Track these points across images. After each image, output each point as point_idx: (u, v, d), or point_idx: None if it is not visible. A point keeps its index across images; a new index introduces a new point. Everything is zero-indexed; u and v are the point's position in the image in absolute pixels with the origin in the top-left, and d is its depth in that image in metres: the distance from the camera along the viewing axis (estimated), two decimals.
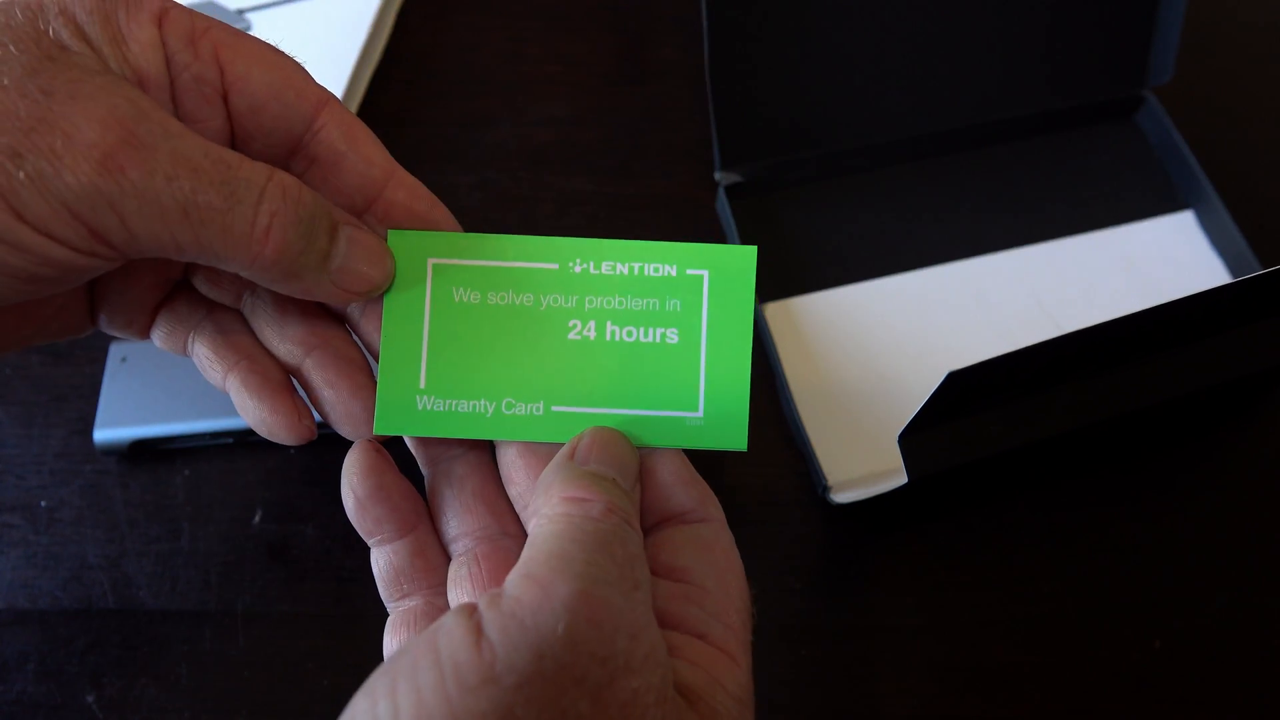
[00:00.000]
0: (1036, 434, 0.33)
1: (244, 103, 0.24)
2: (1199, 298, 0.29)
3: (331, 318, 0.28)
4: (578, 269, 0.27)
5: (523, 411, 0.27)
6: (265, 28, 0.53)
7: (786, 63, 0.45)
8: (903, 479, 0.34)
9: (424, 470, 0.29)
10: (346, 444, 0.42)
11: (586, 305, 0.27)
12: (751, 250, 0.26)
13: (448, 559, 0.27)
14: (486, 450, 0.29)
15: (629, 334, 0.27)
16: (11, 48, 0.20)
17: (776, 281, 0.45)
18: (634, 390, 0.27)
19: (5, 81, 0.20)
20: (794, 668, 0.38)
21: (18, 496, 0.42)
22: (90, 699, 0.38)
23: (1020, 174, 0.48)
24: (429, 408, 0.27)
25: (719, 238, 0.47)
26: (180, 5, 0.24)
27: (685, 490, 0.26)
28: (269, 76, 0.24)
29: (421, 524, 0.27)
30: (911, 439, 0.32)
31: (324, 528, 0.41)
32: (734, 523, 0.41)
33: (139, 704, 0.38)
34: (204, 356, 0.27)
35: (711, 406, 0.27)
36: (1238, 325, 0.35)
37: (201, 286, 0.28)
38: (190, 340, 0.27)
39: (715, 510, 0.27)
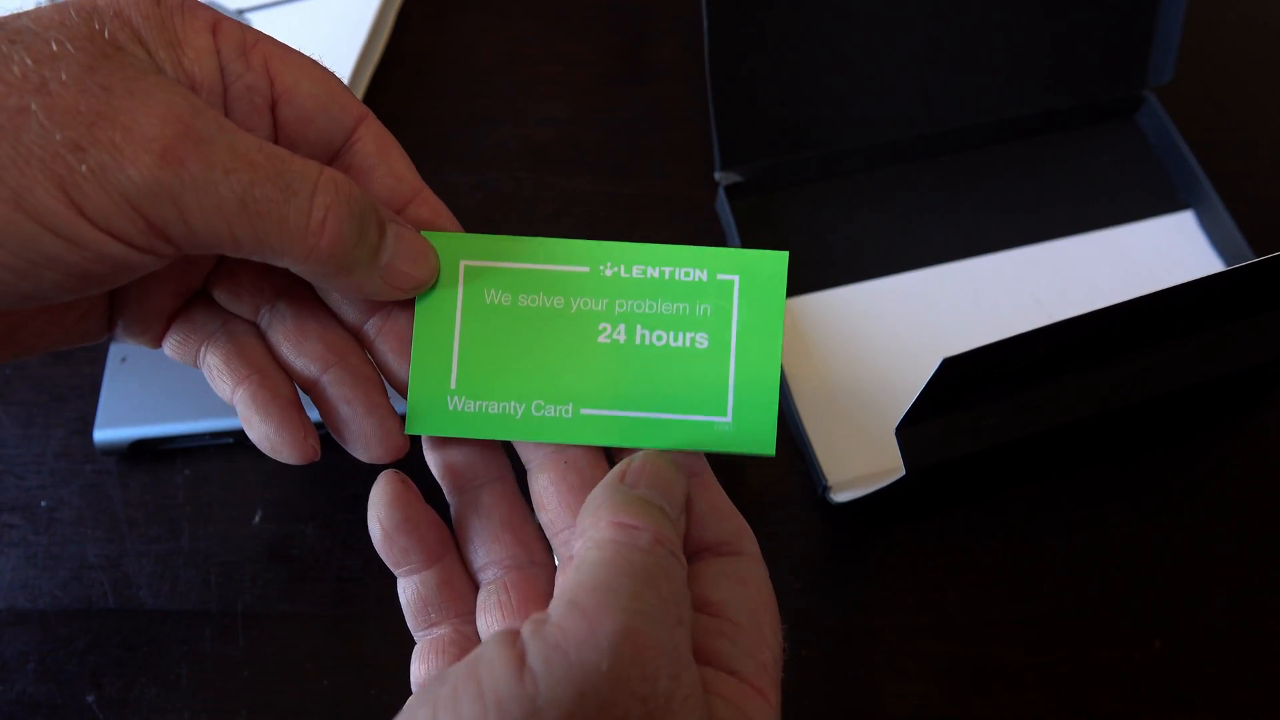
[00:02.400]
0: (1035, 427, 0.33)
1: (292, 113, 0.25)
2: (1197, 284, 0.29)
3: (348, 336, 0.28)
4: (608, 272, 0.27)
5: (552, 414, 0.27)
6: (265, 28, 0.53)
7: (786, 63, 0.45)
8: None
9: (450, 499, 0.28)
10: None
11: (616, 309, 0.27)
12: (783, 256, 0.26)
13: (475, 587, 0.27)
14: (512, 479, 0.28)
15: (659, 338, 0.27)
16: (69, 45, 0.20)
17: None
18: (663, 394, 0.27)
19: (64, 77, 0.20)
20: (794, 668, 0.38)
21: (18, 496, 0.42)
22: (90, 699, 0.38)
23: (1020, 174, 0.48)
24: (459, 408, 0.27)
25: (719, 238, 0.47)
26: (230, 18, 0.25)
27: (722, 523, 0.26)
28: (317, 89, 0.25)
29: (449, 553, 0.27)
30: (909, 431, 0.32)
31: (324, 528, 0.41)
32: None
33: (139, 704, 0.38)
34: (215, 367, 0.27)
35: (740, 411, 0.26)
36: (1237, 318, 0.35)
37: (221, 298, 0.28)
38: (202, 351, 0.27)
39: (751, 544, 0.26)
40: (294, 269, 0.24)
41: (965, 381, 0.31)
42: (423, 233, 0.27)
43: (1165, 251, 0.47)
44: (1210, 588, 0.39)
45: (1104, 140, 0.49)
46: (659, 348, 0.27)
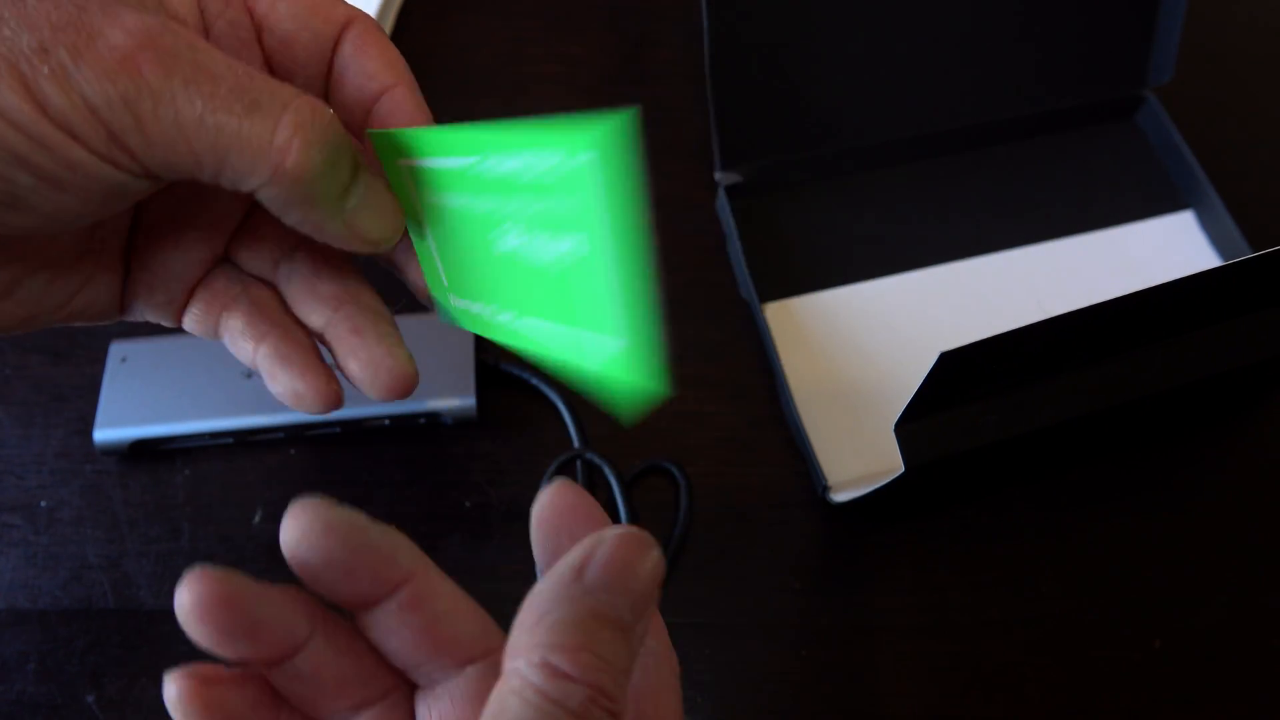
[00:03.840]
0: (1033, 424, 0.33)
1: (274, 40, 0.25)
2: (1196, 279, 0.29)
3: (362, 280, 0.28)
4: (492, 166, 0.23)
5: (507, 320, 0.25)
6: None
7: (786, 63, 0.45)
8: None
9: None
10: (346, 444, 0.42)
11: (506, 208, 0.23)
12: (624, 117, 0.20)
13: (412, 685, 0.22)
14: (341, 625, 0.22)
15: (542, 241, 0.22)
16: None
17: (776, 281, 0.45)
18: (565, 307, 0.22)
19: None
20: (794, 668, 0.38)
21: (18, 496, 0.42)
22: (90, 699, 0.38)
23: (1020, 174, 0.48)
24: (460, 307, 0.27)
25: (719, 238, 0.47)
26: None
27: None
28: (293, 8, 0.25)
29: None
30: (908, 428, 0.32)
31: None
32: (735, 523, 0.41)
33: (139, 704, 0.38)
34: (237, 330, 0.27)
35: (628, 333, 0.21)
36: (1235, 315, 0.35)
37: (243, 257, 0.28)
38: (222, 318, 0.27)
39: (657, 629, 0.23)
40: (261, 197, 0.23)
41: (964, 377, 0.31)
42: (368, 131, 0.25)
43: (1165, 251, 0.47)
44: (1210, 588, 0.39)
45: (1104, 140, 0.49)
46: (548, 251, 0.22)
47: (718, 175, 0.46)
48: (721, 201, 0.46)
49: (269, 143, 0.21)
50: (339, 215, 0.24)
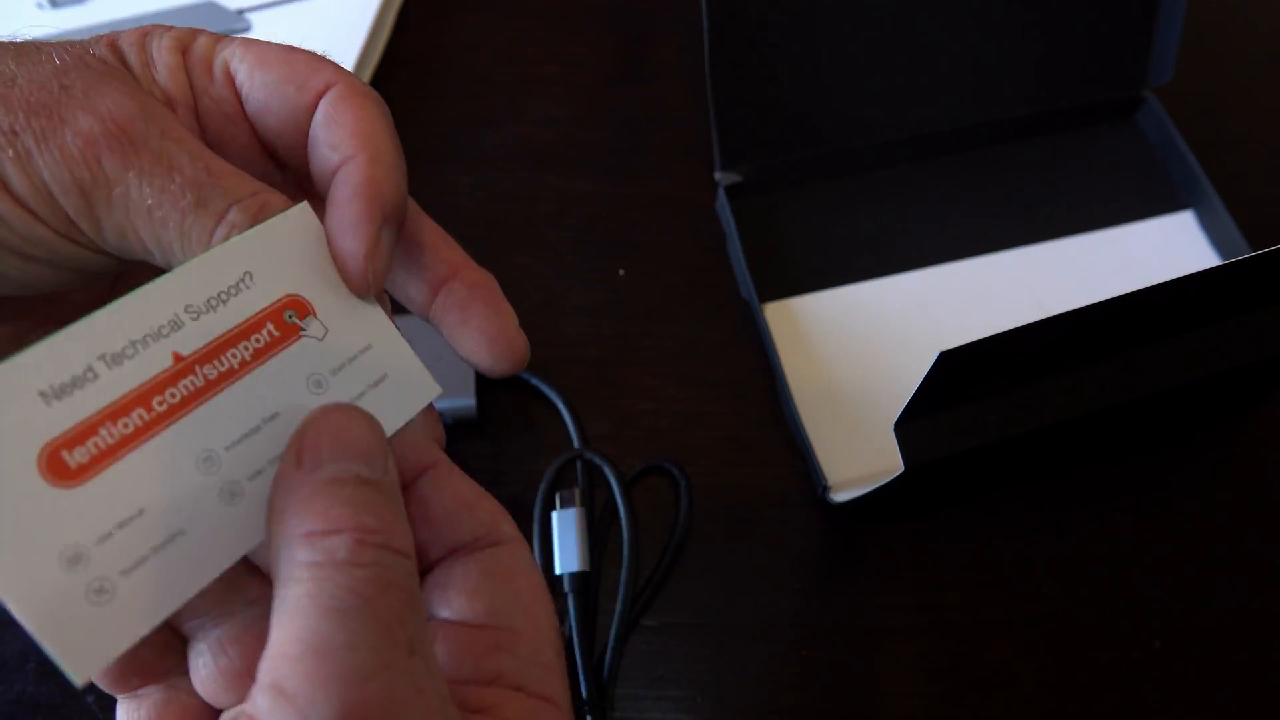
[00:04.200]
0: (1033, 423, 0.33)
1: (253, 109, 0.24)
2: (1196, 278, 0.29)
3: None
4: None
5: None
6: (265, 28, 0.53)
7: (786, 63, 0.45)
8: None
9: None
10: None
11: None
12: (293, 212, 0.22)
13: (183, 639, 0.23)
14: None
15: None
16: (56, 57, 0.22)
17: (776, 281, 0.45)
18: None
19: (33, 75, 0.21)
20: (794, 668, 0.38)
21: None
22: (90, 699, 0.38)
23: (1020, 174, 0.48)
24: None
25: (719, 238, 0.47)
26: (209, 33, 0.24)
27: (472, 516, 0.22)
28: (269, 77, 0.24)
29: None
30: (907, 427, 0.32)
31: None
32: (735, 523, 0.41)
33: None
34: None
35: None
36: (1235, 314, 0.35)
37: None
38: None
39: (509, 527, 0.23)
40: None
41: (963, 376, 0.31)
42: None
43: (1165, 251, 0.47)
44: (1210, 588, 0.39)
45: (1104, 140, 0.49)
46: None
47: (718, 175, 0.46)
48: (721, 201, 0.46)
49: (206, 241, 0.21)
50: None
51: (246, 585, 0.22)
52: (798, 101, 0.46)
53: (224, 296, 0.21)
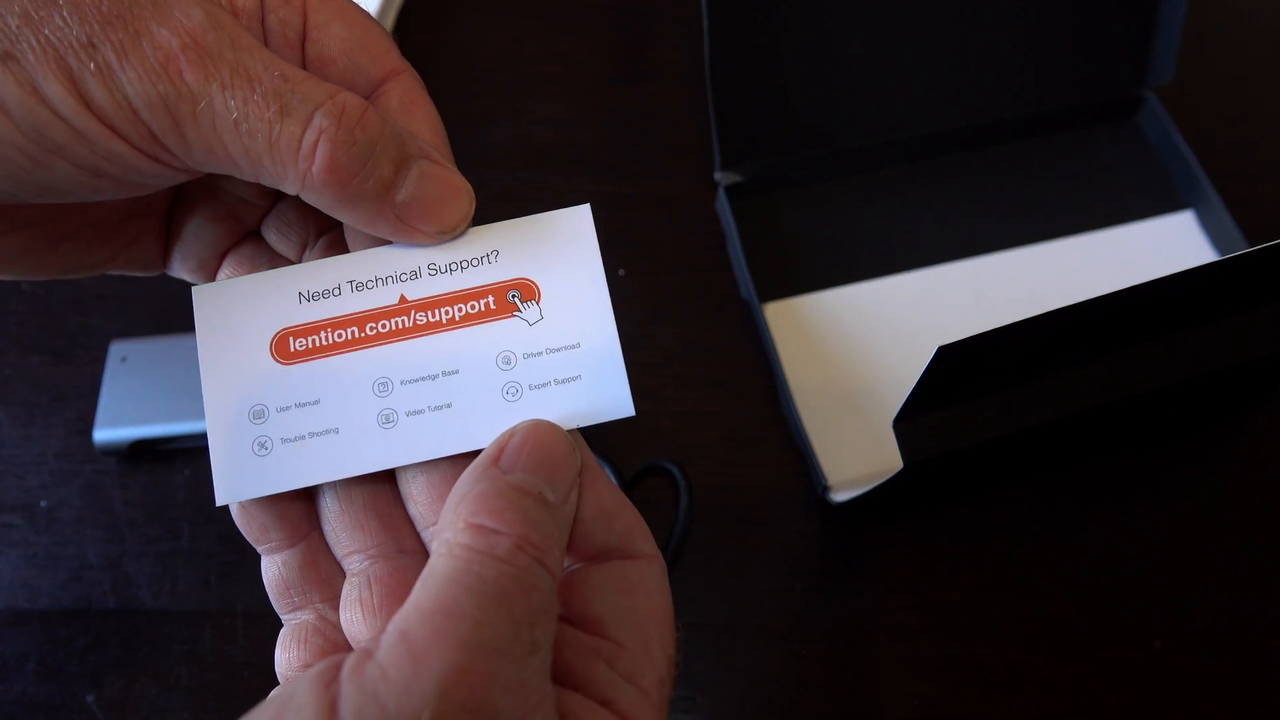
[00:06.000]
0: (1032, 421, 0.33)
1: (315, 52, 0.25)
2: (1196, 272, 0.29)
3: None
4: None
5: None
6: None
7: (786, 63, 0.45)
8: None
9: None
10: None
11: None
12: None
13: (343, 572, 0.25)
14: None
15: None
16: None
17: (776, 281, 0.45)
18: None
19: None
20: (794, 668, 0.38)
21: (18, 496, 0.42)
22: (90, 699, 0.38)
23: (1020, 174, 0.48)
24: None
25: (719, 238, 0.47)
26: None
27: (610, 525, 0.23)
28: (347, 33, 0.24)
29: (315, 531, 0.25)
30: (906, 424, 0.32)
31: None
32: (735, 523, 0.41)
33: (139, 704, 0.38)
34: None
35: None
36: (1234, 311, 0.35)
37: (270, 237, 0.28)
38: None
39: (645, 543, 0.23)
40: (303, 197, 0.23)
41: (962, 372, 0.31)
42: None
43: (1165, 251, 0.47)
44: (1210, 588, 0.39)
45: (1104, 140, 0.49)
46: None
47: (718, 175, 0.46)
48: (721, 201, 0.46)
49: (295, 149, 0.22)
50: (385, 212, 0.23)
51: (404, 536, 0.24)
52: (798, 101, 0.46)
53: (464, 264, 0.24)
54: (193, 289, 0.25)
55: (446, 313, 0.24)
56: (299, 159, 0.22)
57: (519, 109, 0.52)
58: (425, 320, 0.24)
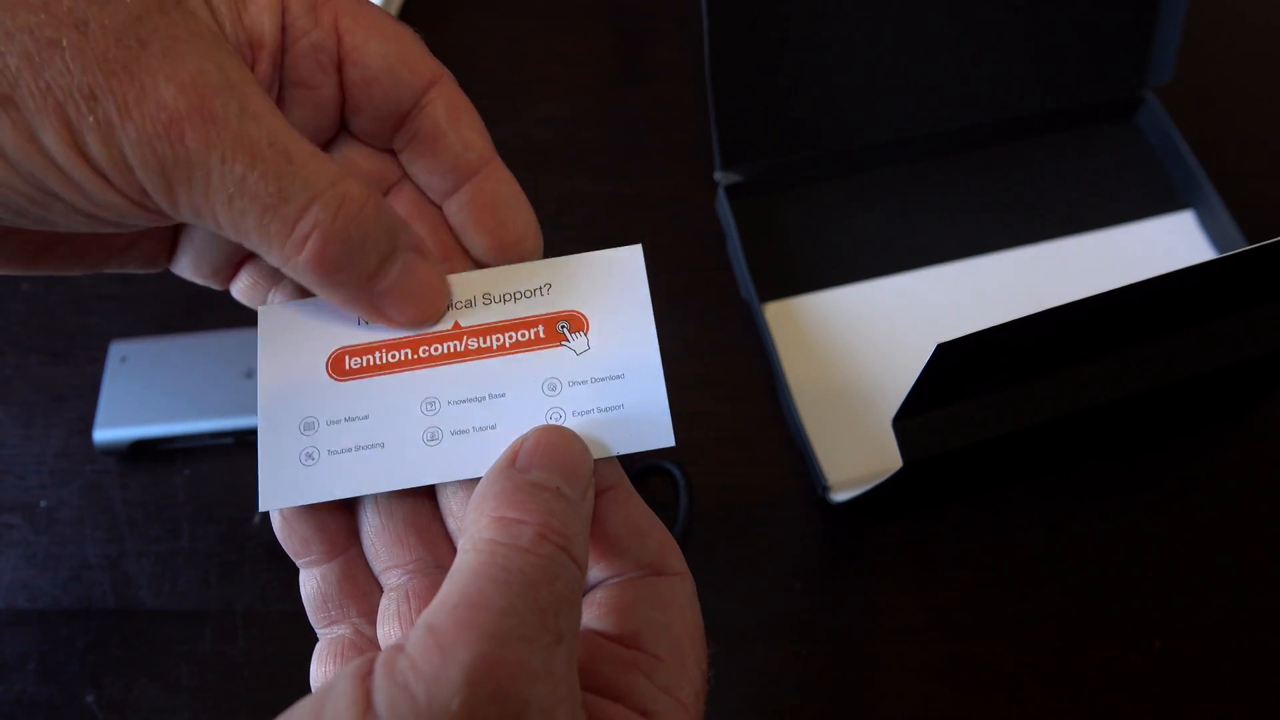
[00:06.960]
0: (1031, 420, 0.33)
1: (357, 74, 0.24)
2: (1195, 270, 0.29)
3: None
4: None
5: None
6: None
7: (786, 63, 0.45)
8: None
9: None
10: None
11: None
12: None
13: (379, 587, 0.25)
14: None
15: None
16: None
17: (776, 281, 0.45)
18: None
19: (107, 23, 0.20)
20: (794, 668, 0.38)
21: (18, 496, 0.42)
22: (90, 699, 0.38)
23: (1020, 174, 0.48)
24: None
25: (719, 238, 0.47)
26: None
27: (642, 541, 0.23)
28: (385, 49, 0.24)
29: (354, 547, 0.25)
30: (906, 423, 0.32)
31: None
32: (735, 523, 0.41)
33: (139, 704, 0.38)
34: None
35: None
36: (1234, 310, 0.35)
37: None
38: (272, 293, 0.27)
39: (676, 561, 0.24)
40: (284, 271, 0.23)
41: (961, 371, 0.31)
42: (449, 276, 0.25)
43: (1165, 251, 0.47)
44: (1210, 588, 0.39)
45: (1104, 140, 0.49)
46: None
47: (718, 175, 0.46)
48: (721, 201, 0.46)
49: (285, 237, 0.21)
50: (364, 297, 0.23)
51: (443, 552, 0.25)
52: (798, 101, 0.46)
53: (518, 295, 0.25)
54: (259, 310, 0.26)
55: (497, 339, 0.25)
56: (286, 246, 0.22)
57: (519, 109, 0.52)
58: (476, 345, 0.25)
